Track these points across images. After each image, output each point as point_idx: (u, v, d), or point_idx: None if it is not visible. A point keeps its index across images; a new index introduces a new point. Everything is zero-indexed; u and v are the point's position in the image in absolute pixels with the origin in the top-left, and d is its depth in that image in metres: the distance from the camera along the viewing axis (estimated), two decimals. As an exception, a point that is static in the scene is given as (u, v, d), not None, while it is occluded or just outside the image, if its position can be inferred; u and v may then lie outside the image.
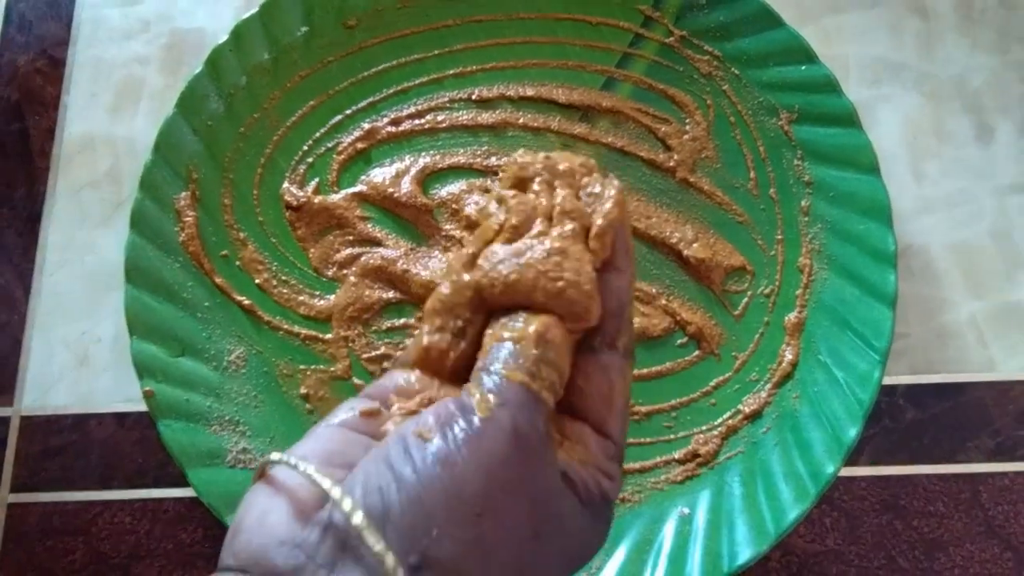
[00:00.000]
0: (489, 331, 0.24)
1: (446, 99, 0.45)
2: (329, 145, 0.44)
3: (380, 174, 0.44)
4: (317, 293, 0.42)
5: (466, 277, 0.24)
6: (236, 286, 0.42)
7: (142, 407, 0.39)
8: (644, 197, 0.43)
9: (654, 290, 0.42)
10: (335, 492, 0.20)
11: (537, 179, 0.26)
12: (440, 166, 0.44)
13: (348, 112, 0.45)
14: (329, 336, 0.42)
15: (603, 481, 0.23)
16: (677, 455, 0.40)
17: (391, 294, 0.42)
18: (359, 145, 0.44)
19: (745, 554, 0.36)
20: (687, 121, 0.44)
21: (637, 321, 0.41)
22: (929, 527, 0.40)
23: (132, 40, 0.50)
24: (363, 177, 0.44)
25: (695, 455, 0.40)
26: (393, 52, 0.45)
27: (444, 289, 0.25)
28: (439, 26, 0.45)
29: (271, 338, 0.41)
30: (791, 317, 0.41)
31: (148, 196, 0.41)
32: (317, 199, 0.43)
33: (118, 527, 0.41)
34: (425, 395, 0.24)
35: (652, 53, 0.45)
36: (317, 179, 0.44)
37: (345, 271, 0.43)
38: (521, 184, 0.26)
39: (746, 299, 0.42)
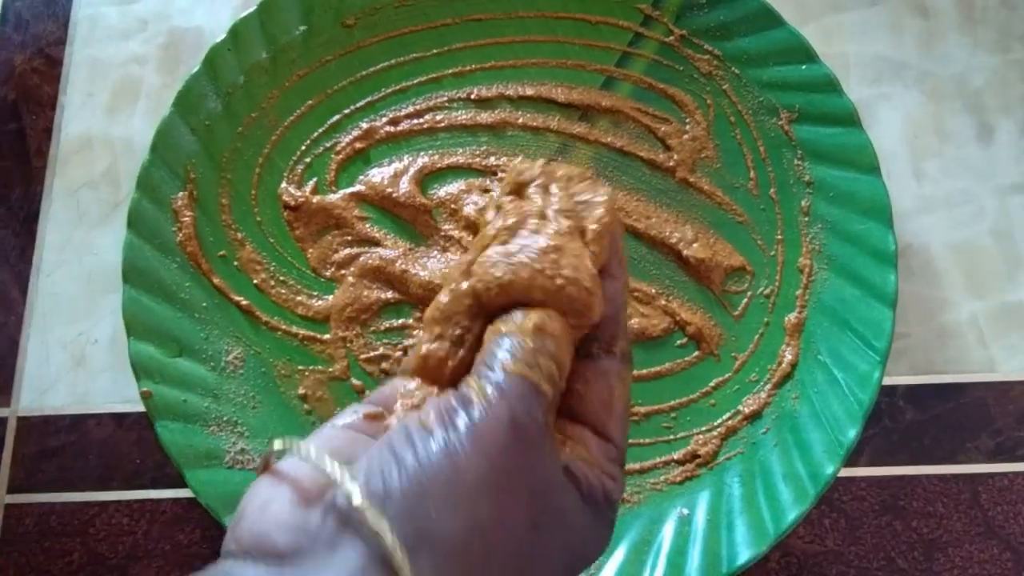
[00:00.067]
0: (489, 327, 0.24)
1: (445, 98, 0.45)
2: (327, 145, 0.44)
3: (378, 174, 0.44)
4: (315, 293, 0.42)
5: (464, 285, 0.24)
6: (234, 286, 0.42)
7: (140, 408, 0.39)
8: (644, 197, 0.43)
9: (653, 290, 0.42)
10: (337, 473, 0.20)
11: (533, 184, 0.26)
12: (439, 166, 0.44)
13: (346, 111, 0.44)
14: (327, 336, 0.42)
15: (606, 481, 0.23)
16: (676, 456, 0.40)
17: (389, 294, 0.42)
18: (357, 145, 0.44)
19: (744, 555, 0.36)
20: (687, 121, 0.44)
21: (636, 321, 0.41)
22: (929, 528, 0.40)
23: (129, 39, 0.49)
24: (361, 177, 0.44)
25: (694, 456, 0.40)
26: (392, 51, 0.45)
27: (443, 298, 0.25)
28: (438, 25, 0.45)
29: (269, 338, 0.41)
30: (791, 317, 0.41)
31: (145, 196, 0.41)
32: (315, 199, 0.43)
33: (116, 528, 0.41)
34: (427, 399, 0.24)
35: (652, 52, 0.45)
36: (315, 179, 0.44)
37: (343, 271, 0.42)
38: (519, 191, 0.26)
39: (746, 299, 0.42)
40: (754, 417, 0.40)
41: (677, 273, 0.42)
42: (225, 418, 0.39)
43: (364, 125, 0.44)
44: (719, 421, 0.40)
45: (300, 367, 0.41)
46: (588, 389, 0.24)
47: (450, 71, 0.45)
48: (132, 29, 0.50)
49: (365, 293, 0.42)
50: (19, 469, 0.42)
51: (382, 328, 0.42)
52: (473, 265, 0.24)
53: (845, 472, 0.40)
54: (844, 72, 0.46)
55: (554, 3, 0.45)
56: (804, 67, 0.42)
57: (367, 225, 0.43)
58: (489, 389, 0.21)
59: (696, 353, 0.41)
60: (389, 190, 0.43)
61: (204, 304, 0.41)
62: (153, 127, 0.42)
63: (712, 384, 0.41)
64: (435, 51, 0.45)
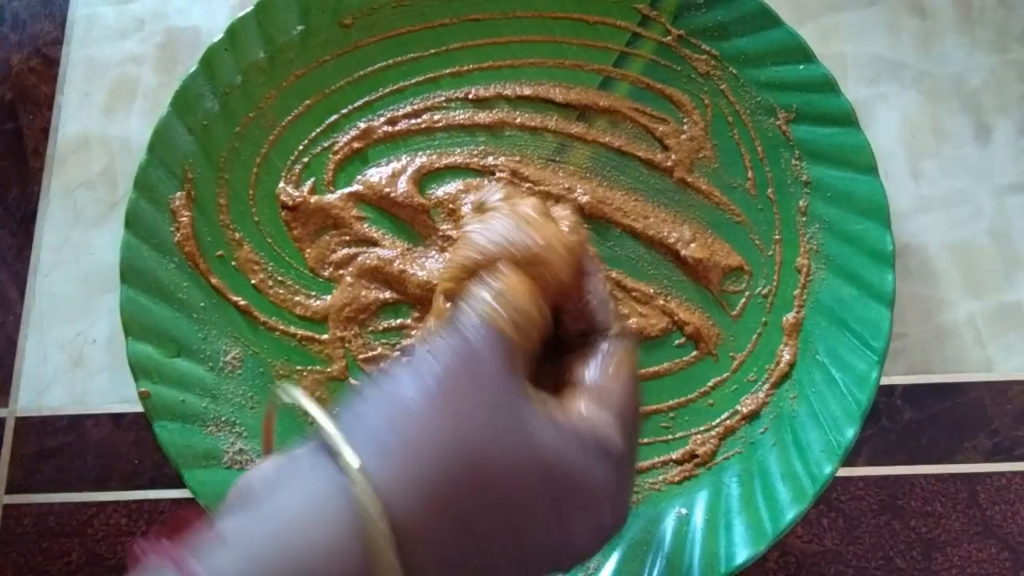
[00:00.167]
0: (467, 285, 0.27)
1: (442, 98, 0.45)
2: (325, 145, 0.44)
3: (376, 174, 0.44)
4: (313, 293, 0.42)
5: (441, 299, 0.28)
6: (232, 286, 0.42)
7: (138, 408, 0.39)
8: (641, 197, 0.43)
9: (652, 290, 0.42)
10: (312, 409, 0.24)
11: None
12: (437, 166, 0.44)
13: (344, 111, 0.44)
14: (325, 337, 0.42)
15: (598, 428, 0.25)
16: (675, 455, 0.40)
17: (388, 294, 0.42)
18: (355, 145, 0.44)
19: (743, 554, 0.36)
20: (685, 121, 0.44)
21: (634, 321, 0.41)
22: (927, 527, 0.40)
23: (126, 39, 0.49)
24: (359, 177, 0.44)
25: (693, 455, 0.40)
26: (389, 51, 0.45)
27: (430, 324, 0.28)
28: (435, 25, 0.45)
29: (267, 339, 0.41)
30: (789, 317, 0.41)
31: (143, 196, 0.41)
32: (313, 199, 0.43)
33: (114, 528, 0.41)
34: None
35: (649, 52, 0.45)
36: (313, 179, 0.44)
37: (341, 271, 0.42)
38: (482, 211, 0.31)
39: (744, 299, 0.42)
40: (752, 417, 0.40)
41: (675, 273, 0.42)
42: (223, 418, 0.39)
43: (362, 125, 0.44)
44: (717, 421, 0.40)
45: (298, 367, 0.41)
46: (585, 360, 0.27)
47: (448, 71, 0.45)
48: (129, 29, 0.50)
49: (363, 293, 0.42)
50: (17, 469, 0.42)
51: (380, 328, 0.42)
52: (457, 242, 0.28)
53: (843, 472, 0.40)
54: (842, 72, 0.46)
55: (552, 3, 0.45)
56: (802, 67, 0.42)
57: (365, 225, 0.43)
58: (453, 333, 0.25)
59: (694, 353, 0.41)
60: (387, 190, 0.43)
61: (202, 304, 0.41)
62: (150, 127, 0.42)
63: (710, 384, 0.41)
64: (433, 51, 0.45)
